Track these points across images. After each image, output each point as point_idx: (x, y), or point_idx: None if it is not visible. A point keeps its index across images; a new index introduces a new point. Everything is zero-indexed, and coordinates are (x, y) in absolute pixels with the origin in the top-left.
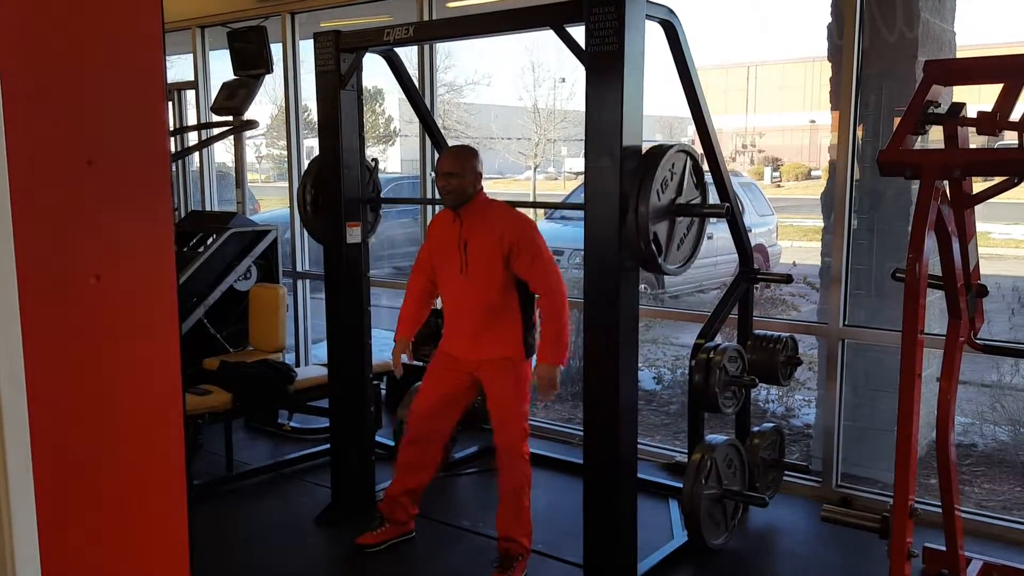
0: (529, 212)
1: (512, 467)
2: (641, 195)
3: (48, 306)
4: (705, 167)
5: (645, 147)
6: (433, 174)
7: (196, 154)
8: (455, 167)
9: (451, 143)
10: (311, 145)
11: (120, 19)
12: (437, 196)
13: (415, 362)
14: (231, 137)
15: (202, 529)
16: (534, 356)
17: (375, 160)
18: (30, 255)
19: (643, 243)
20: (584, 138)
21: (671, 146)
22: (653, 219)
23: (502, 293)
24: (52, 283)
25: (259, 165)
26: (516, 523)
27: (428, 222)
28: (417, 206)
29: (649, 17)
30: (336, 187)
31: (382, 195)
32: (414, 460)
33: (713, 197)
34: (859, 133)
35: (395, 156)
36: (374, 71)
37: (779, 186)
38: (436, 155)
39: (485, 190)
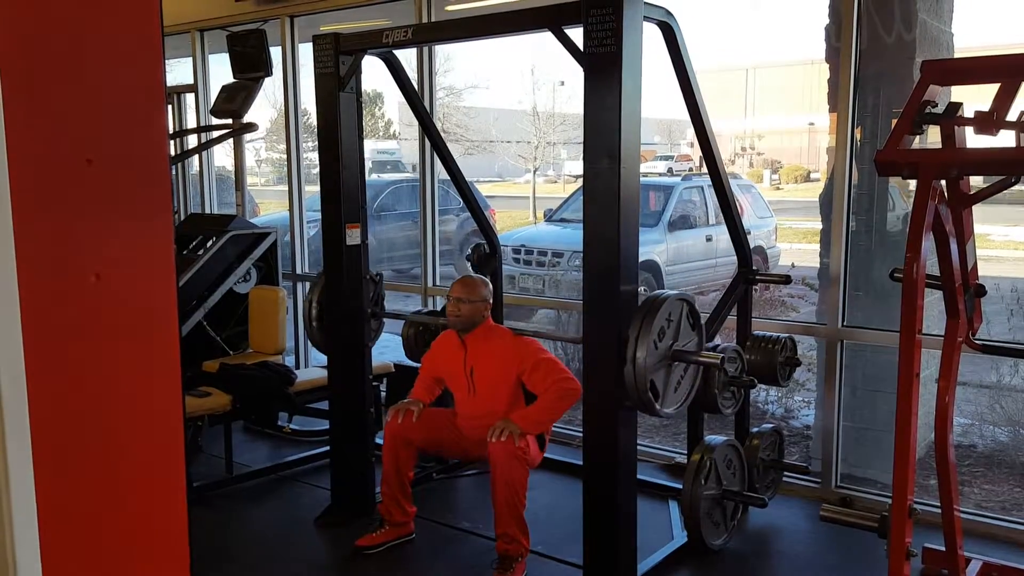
0: (528, 213)
1: (509, 467)
2: (639, 343)
3: (48, 305)
4: (704, 172)
5: (644, 151)
6: (446, 298)
7: (196, 157)
8: (465, 294)
9: (451, 146)
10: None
11: (120, 20)
12: (438, 199)
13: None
14: (231, 140)
15: (202, 531)
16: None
17: (380, 274)
18: (31, 254)
19: (640, 392)
20: (583, 141)
21: (668, 296)
22: (651, 369)
23: (510, 404)
24: (52, 282)
25: (259, 168)
26: (515, 523)
27: (429, 225)
28: (416, 209)
29: (647, 19)
30: (336, 189)
31: (382, 197)
32: (394, 454)
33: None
34: (858, 134)
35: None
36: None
37: (778, 188)
38: (435, 157)
39: (485, 193)
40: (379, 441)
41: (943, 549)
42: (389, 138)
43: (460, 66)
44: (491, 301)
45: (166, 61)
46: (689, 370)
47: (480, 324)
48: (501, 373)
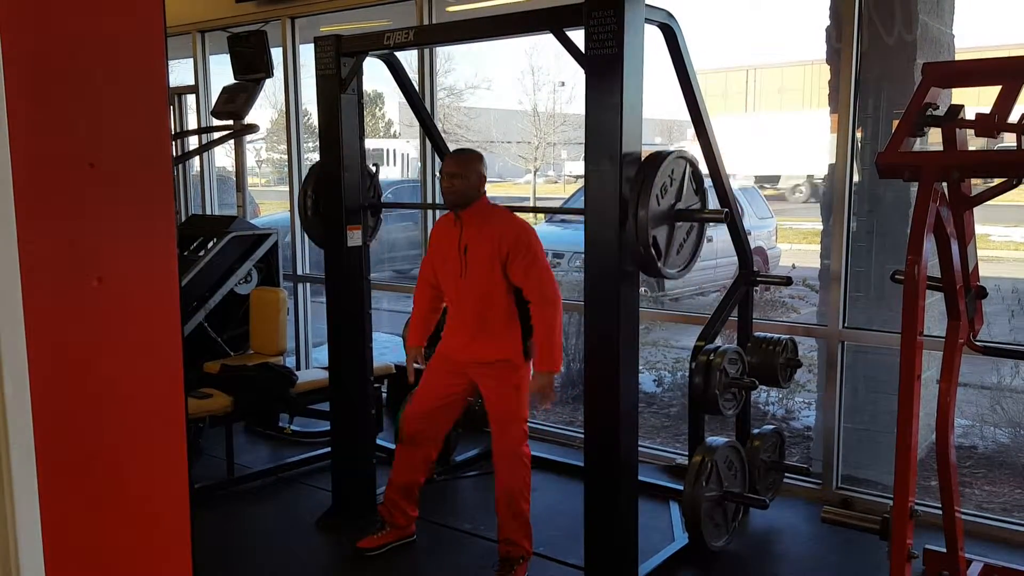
0: (529, 216)
1: (511, 469)
2: (641, 200)
3: (51, 308)
4: (705, 171)
5: (645, 151)
6: (438, 175)
7: (196, 158)
8: (458, 168)
9: (452, 147)
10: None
11: (122, 22)
12: (439, 200)
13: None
14: (231, 141)
15: (203, 533)
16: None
17: (376, 165)
18: (33, 257)
19: (643, 247)
20: (584, 142)
21: (670, 152)
22: (653, 224)
23: (501, 297)
24: (55, 285)
25: (259, 169)
26: (517, 525)
27: (429, 226)
28: (418, 210)
29: (648, 21)
30: (337, 191)
31: (383, 199)
32: (407, 459)
33: (713, 202)
34: (858, 135)
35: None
36: (374, 75)
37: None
38: (437, 159)
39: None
40: (380, 443)
41: (944, 551)
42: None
43: (461, 67)
44: (486, 176)
45: (168, 62)
46: (692, 232)
47: (476, 200)
48: (493, 249)
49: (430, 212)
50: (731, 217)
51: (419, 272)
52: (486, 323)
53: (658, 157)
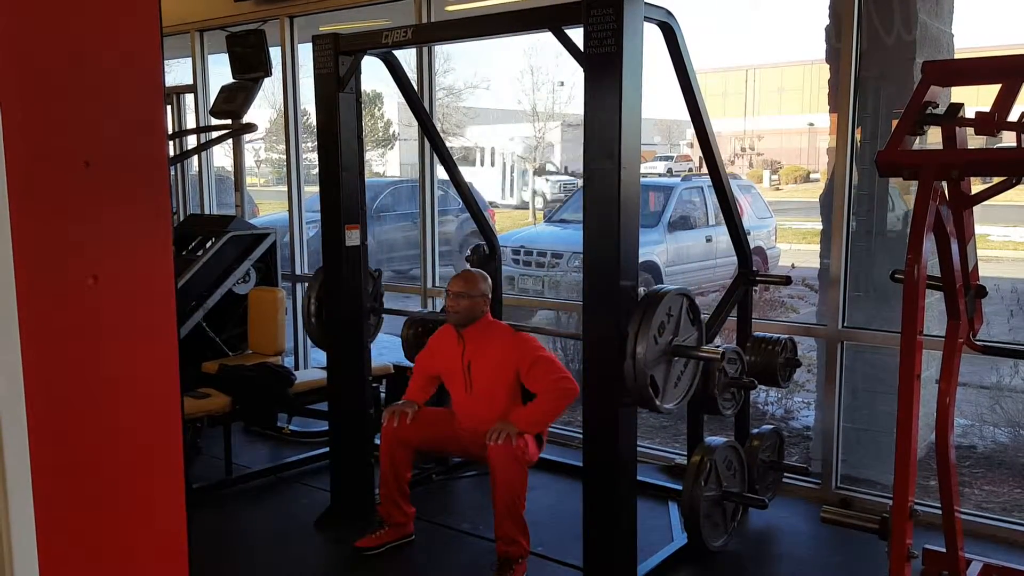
0: (528, 214)
1: (508, 468)
2: (639, 338)
3: (46, 307)
4: (704, 173)
5: (644, 151)
6: (445, 293)
7: (195, 158)
8: (465, 288)
9: (450, 146)
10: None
11: (119, 21)
12: (437, 202)
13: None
14: (230, 141)
15: (201, 532)
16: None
17: (379, 270)
18: (28, 256)
19: (641, 388)
20: (583, 141)
21: (668, 291)
22: (651, 365)
23: (507, 402)
24: (50, 284)
25: (258, 169)
26: (514, 525)
27: (428, 226)
28: (415, 210)
29: (648, 19)
30: (335, 190)
31: (381, 198)
32: (391, 455)
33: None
34: (858, 135)
35: (394, 160)
36: (373, 75)
37: (778, 189)
38: (435, 158)
39: (484, 194)
40: (378, 442)
41: (944, 550)
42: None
43: (460, 66)
44: (490, 296)
45: (165, 61)
46: (689, 365)
47: (479, 319)
48: (499, 369)
49: (428, 211)
50: (725, 358)
51: (416, 362)
52: (494, 414)
53: (656, 297)
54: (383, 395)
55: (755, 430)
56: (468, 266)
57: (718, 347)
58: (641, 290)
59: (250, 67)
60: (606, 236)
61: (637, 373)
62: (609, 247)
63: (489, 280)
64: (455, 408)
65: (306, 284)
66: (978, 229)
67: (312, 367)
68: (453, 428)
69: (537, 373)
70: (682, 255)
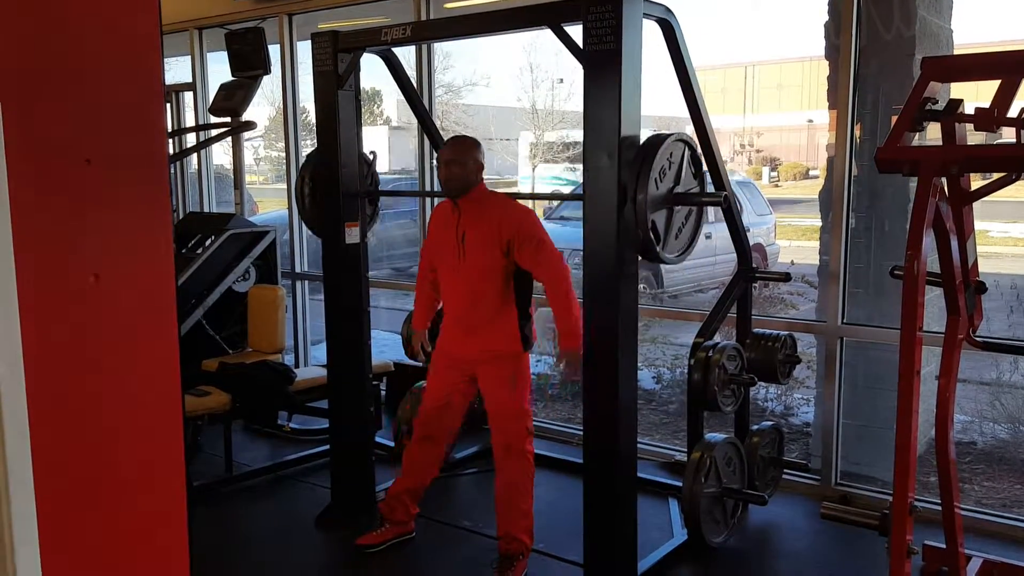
0: (528, 205)
1: (512, 464)
2: (639, 184)
3: (47, 305)
4: (705, 174)
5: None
6: (436, 162)
7: (194, 156)
8: (455, 155)
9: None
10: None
11: (119, 19)
12: (437, 188)
13: (416, 362)
14: (229, 138)
15: (202, 530)
16: (532, 349)
17: (373, 153)
18: (29, 254)
19: (642, 231)
20: (583, 138)
21: (669, 135)
22: (651, 208)
23: (499, 284)
24: (51, 282)
25: (257, 167)
26: (517, 522)
27: (428, 220)
28: (416, 207)
29: (647, 16)
30: (334, 187)
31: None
32: (421, 458)
33: (711, 188)
34: (857, 131)
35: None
36: (372, 72)
37: (777, 186)
38: (434, 155)
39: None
40: (379, 440)
41: (944, 546)
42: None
43: (459, 64)
44: (483, 163)
45: (164, 59)
46: (691, 216)
47: (474, 187)
48: (492, 236)
49: (427, 208)
50: (729, 202)
51: (420, 259)
52: (482, 311)
53: (657, 140)
54: (383, 393)
55: (755, 426)
56: None
57: (719, 350)
58: (641, 287)
59: (249, 65)
60: (606, 238)
61: (638, 216)
62: (609, 248)
63: (482, 147)
64: (445, 307)
65: (307, 283)
66: (978, 225)
67: (312, 365)
68: (455, 371)
69: (528, 249)
70: None
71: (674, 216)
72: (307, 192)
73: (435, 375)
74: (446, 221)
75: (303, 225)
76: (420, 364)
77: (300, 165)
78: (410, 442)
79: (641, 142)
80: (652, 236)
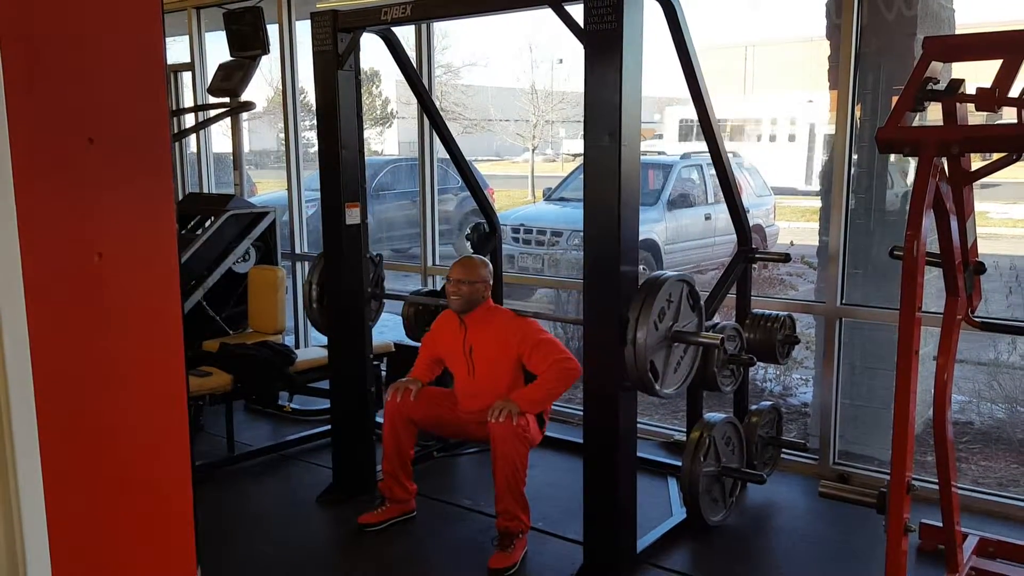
0: (527, 192)
1: (508, 445)
2: (640, 324)
3: (52, 284)
4: (705, 156)
5: (644, 129)
6: (445, 280)
7: (193, 136)
8: (465, 275)
9: (449, 125)
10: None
11: None
12: (437, 181)
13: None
14: (228, 119)
15: (204, 510)
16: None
17: (379, 255)
18: (33, 234)
19: (641, 373)
20: (583, 119)
21: (668, 277)
22: (651, 350)
23: (510, 386)
24: (55, 261)
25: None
26: (515, 500)
27: (428, 205)
28: (415, 188)
29: None
30: (334, 168)
31: (380, 177)
32: (395, 433)
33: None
34: (858, 112)
35: (392, 138)
36: (370, 52)
37: None
38: (434, 136)
39: (483, 172)
40: (380, 420)
41: (941, 525)
42: (385, 118)
43: (458, 44)
44: (491, 281)
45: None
46: (689, 350)
47: (480, 305)
48: (501, 354)
49: (428, 190)
50: (725, 342)
51: (422, 343)
52: (496, 397)
53: (657, 283)
54: (384, 373)
55: (754, 406)
56: (468, 245)
57: (719, 331)
58: (641, 268)
59: (248, 45)
60: (606, 219)
61: (638, 359)
62: (610, 230)
63: (490, 266)
64: (457, 391)
65: (306, 264)
66: (978, 206)
67: (313, 345)
68: (455, 410)
69: (539, 356)
70: (681, 233)
71: (672, 352)
72: (315, 297)
73: (441, 394)
74: (452, 334)
75: (302, 206)
76: (385, 400)
77: (307, 273)
78: (385, 420)
79: (641, 281)
80: (651, 377)
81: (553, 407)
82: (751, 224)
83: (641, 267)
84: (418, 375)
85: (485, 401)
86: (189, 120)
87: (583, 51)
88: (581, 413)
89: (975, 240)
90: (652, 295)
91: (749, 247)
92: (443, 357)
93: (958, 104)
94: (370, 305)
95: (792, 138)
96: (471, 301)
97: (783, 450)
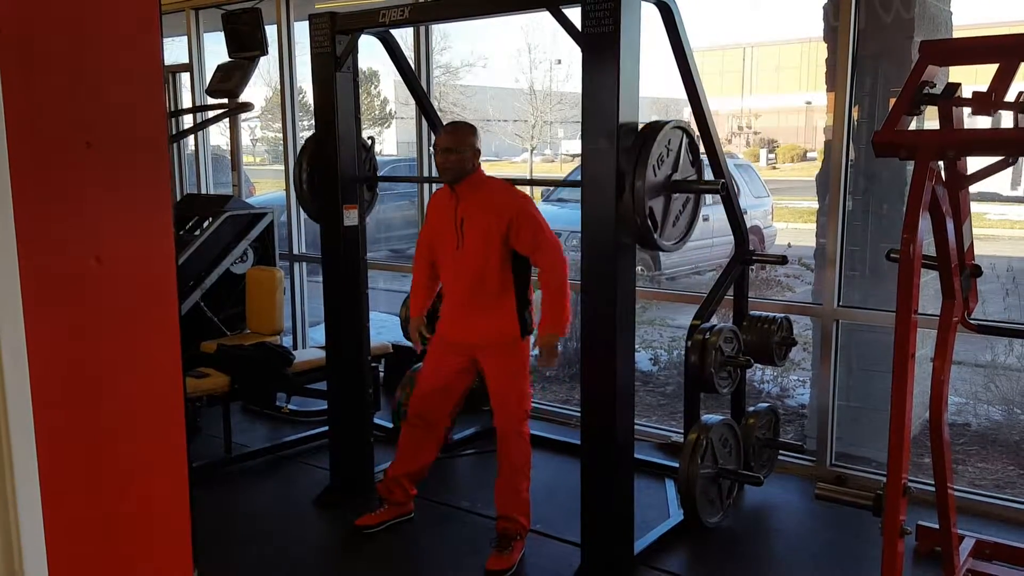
0: (527, 191)
1: (512, 447)
2: (637, 171)
3: (50, 287)
4: (701, 148)
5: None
6: (432, 149)
7: (191, 137)
8: (453, 143)
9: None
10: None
11: (118, 1)
12: (435, 174)
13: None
14: (226, 120)
15: (201, 511)
16: (532, 334)
17: (371, 138)
18: (31, 237)
19: (639, 219)
20: (581, 120)
21: (667, 122)
22: (649, 195)
23: (498, 269)
24: (53, 264)
25: (253, 148)
26: (515, 502)
27: (426, 203)
28: (414, 189)
29: None
30: (333, 169)
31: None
32: (416, 441)
33: (709, 176)
34: (855, 114)
35: (391, 138)
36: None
37: (775, 168)
38: (433, 138)
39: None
40: (378, 421)
41: (937, 527)
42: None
43: (457, 44)
44: (480, 149)
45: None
46: (688, 204)
47: (471, 173)
48: (491, 222)
49: (426, 191)
50: (726, 189)
51: (416, 245)
52: (481, 297)
53: (655, 127)
54: (382, 374)
55: (751, 408)
56: None
57: (716, 332)
58: (640, 269)
59: (246, 46)
60: (604, 221)
61: (636, 205)
62: (607, 231)
63: (479, 133)
64: (444, 293)
65: (304, 265)
66: (975, 207)
67: (311, 347)
68: (453, 356)
69: (528, 234)
70: None
71: (672, 203)
72: (305, 178)
73: (433, 358)
74: (444, 207)
75: (301, 207)
76: (417, 351)
77: (298, 151)
78: (405, 425)
79: (639, 128)
80: (650, 223)
81: (549, 407)
82: (749, 225)
83: (639, 268)
84: (417, 306)
85: (472, 289)
86: (187, 121)
87: (581, 53)
88: (579, 415)
89: (971, 243)
90: (650, 141)
91: (746, 249)
92: (433, 242)
93: (954, 108)
94: (363, 191)
95: None
96: (461, 169)
97: (780, 452)
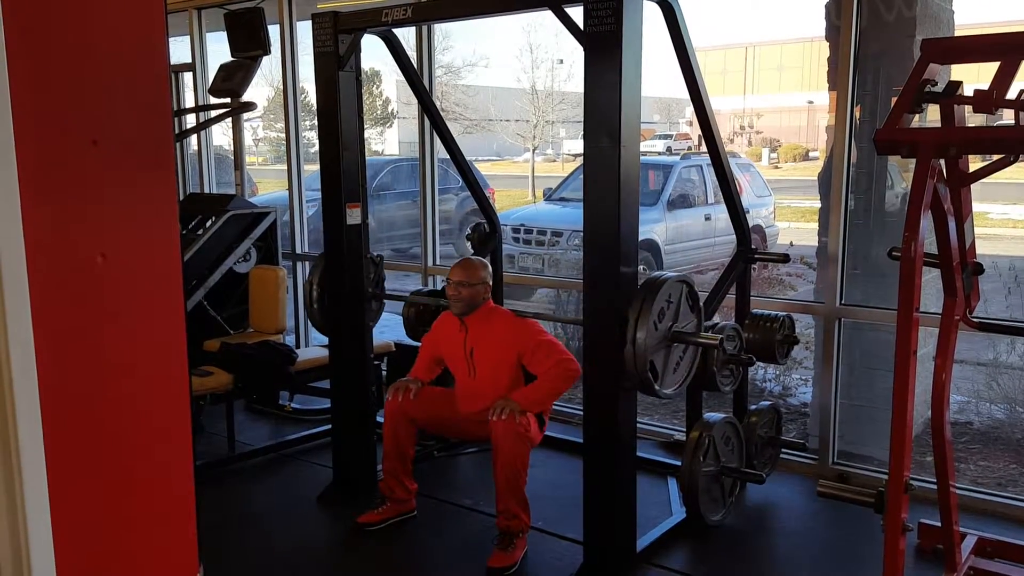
0: (527, 193)
1: (511, 444)
2: (640, 324)
3: (56, 285)
4: (704, 152)
5: (644, 130)
6: (445, 281)
7: (194, 137)
8: (466, 276)
9: (450, 125)
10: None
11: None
12: (437, 180)
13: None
14: (229, 119)
15: (204, 509)
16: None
17: (380, 256)
18: (38, 234)
19: (640, 372)
20: (583, 120)
21: (669, 277)
22: (651, 350)
23: (510, 386)
24: (60, 262)
25: (256, 148)
26: (516, 499)
27: (429, 205)
28: (416, 188)
29: None
30: (335, 169)
31: (380, 177)
32: (394, 430)
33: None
34: (857, 113)
35: (393, 138)
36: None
37: (777, 167)
38: (435, 136)
39: (484, 172)
40: (380, 419)
41: (939, 524)
42: (386, 118)
43: (459, 44)
44: (491, 283)
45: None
46: (688, 351)
47: (480, 306)
48: (501, 355)
49: (428, 190)
50: (723, 343)
51: (421, 347)
52: (496, 398)
53: (656, 282)
54: (384, 373)
55: (753, 406)
56: (468, 245)
57: (719, 331)
58: (641, 268)
59: (249, 45)
60: (606, 220)
61: (638, 359)
62: (609, 231)
63: (489, 267)
64: (458, 392)
65: (307, 264)
66: (977, 207)
67: (313, 345)
68: (455, 410)
69: (540, 356)
70: (681, 233)
71: (672, 352)
72: (315, 297)
73: (436, 396)
74: (452, 335)
75: (303, 206)
76: (387, 399)
77: (308, 274)
78: (385, 420)
79: (641, 282)
80: (651, 376)
81: (553, 407)
82: (751, 224)
83: (641, 267)
84: (418, 375)
85: (486, 402)
86: (190, 120)
87: (583, 53)
88: (581, 413)
89: (973, 241)
90: (652, 295)
91: (749, 247)
92: (444, 358)
93: (956, 106)
94: (371, 305)
95: None
96: (472, 303)
97: (782, 450)
